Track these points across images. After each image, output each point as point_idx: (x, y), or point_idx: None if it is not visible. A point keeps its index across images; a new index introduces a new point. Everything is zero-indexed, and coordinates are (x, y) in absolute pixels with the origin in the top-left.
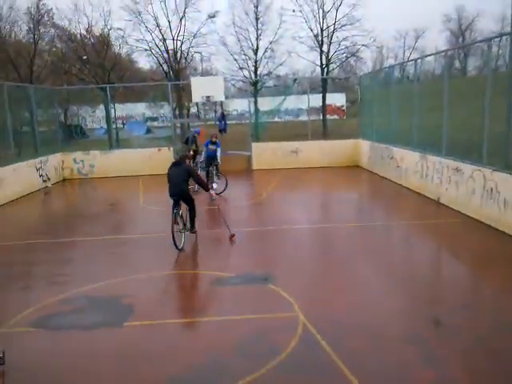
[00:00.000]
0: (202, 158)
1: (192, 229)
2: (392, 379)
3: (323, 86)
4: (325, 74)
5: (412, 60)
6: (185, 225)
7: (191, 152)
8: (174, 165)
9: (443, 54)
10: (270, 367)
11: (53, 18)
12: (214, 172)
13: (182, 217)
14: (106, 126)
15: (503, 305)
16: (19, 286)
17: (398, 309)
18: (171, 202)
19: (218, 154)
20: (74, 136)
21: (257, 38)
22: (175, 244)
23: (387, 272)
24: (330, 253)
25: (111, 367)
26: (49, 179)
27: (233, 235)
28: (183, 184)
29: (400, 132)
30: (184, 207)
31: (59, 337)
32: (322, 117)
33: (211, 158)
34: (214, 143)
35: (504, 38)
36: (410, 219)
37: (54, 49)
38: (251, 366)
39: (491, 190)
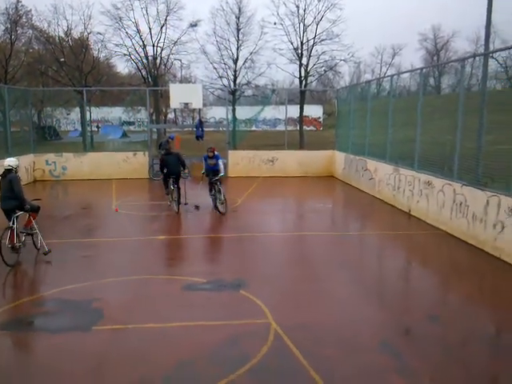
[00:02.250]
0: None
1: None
2: None
3: (301, 97)
4: (303, 86)
5: (388, 76)
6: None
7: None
8: (167, 154)
9: (419, 71)
10: (240, 373)
11: (31, 20)
12: (217, 193)
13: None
14: (80, 129)
15: (471, 315)
16: None
17: (369, 318)
18: (145, 207)
19: (221, 166)
20: (46, 137)
21: (237, 48)
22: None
23: (359, 281)
24: (303, 261)
25: (78, 371)
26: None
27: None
28: (178, 166)
29: (375, 145)
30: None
31: (26, 339)
32: (298, 127)
33: (212, 174)
34: (213, 157)
35: (477, 58)
36: (382, 230)
37: (30, 50)
38: (221, 371)
39: (460, 203)
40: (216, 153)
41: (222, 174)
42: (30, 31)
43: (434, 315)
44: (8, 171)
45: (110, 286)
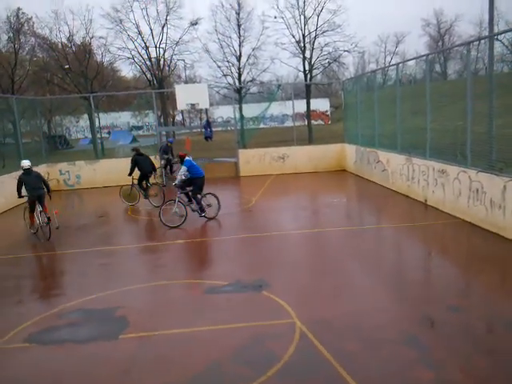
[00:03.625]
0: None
1: None
2: (391, 381)
3: (307, 91)
4: (308, 79)
5: (394, 65)
6: None
7: (162, 161)
8: (140, 154)
9: (424, 58)
10: (269, 374)
11: (33, 27)
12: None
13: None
14: (90, 136)
15: (494, 303)
16: (12, 300)
17: (392, 310)
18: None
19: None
20: (58, 147)
21: (239, 45)
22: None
23: (379, 274)
24: (322, 257)
25: (108, 380)
26: None
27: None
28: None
29: (385, 135)
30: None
31: (55, 352)
32: (306, 122)
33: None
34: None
35: (482, 41)
36: (399, 222)
37: (35, 58)
38: (250, 374)
39: (477, 190)
40: (187, 158)
41: (174, 183)
42: (33, 39)
43: (456, 304)
44: (28, 169)
45: (132, 294)
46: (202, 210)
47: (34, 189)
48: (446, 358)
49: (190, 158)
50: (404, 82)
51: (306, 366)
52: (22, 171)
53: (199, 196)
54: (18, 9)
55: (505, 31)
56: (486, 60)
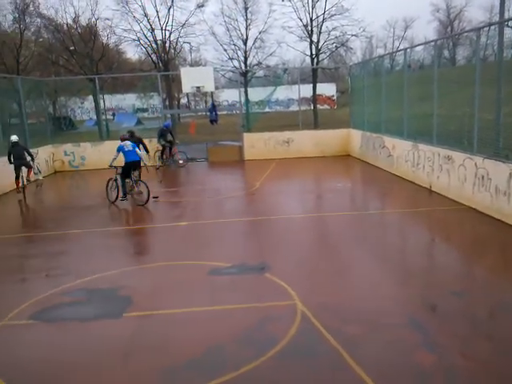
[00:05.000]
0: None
1: None
2: (393, 365)
3: (313, 76)
4: (315, 64)
5: (402, 50)
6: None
7: (158, 145)
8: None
9: (433, 43)
10: (270, 355)
11: (38, 8)
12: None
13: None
14: (95, 118)
15: (497, 288)
16: (16, 279)
17: (395, 295)
18: (163, 193)
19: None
20: (63, 128)
21: (246, 28)
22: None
23: (382, 259)
24: (325, 241)
25: (111, 358)
26: (40, 172)
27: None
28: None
29: (391, 121)
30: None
31: (59, 329)
32: (312, 107)
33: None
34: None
35: (492, 27)
36: (402, 207)
37: (40, 39)
38: (251, 354)
39: (482, 177)
40: (121, 143)
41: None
42: (38, 20)
43: (459, 290)
44: (16, 143)
45: (135, 274)
46: (124, 193)
47: (19, 159)
48: (449, 342)
49: (128, 143)
50: (412, 68)
51: (307, 348)
52: (11, 144)
53: (127, 180)
54: None
55: None
56: (495, 46)
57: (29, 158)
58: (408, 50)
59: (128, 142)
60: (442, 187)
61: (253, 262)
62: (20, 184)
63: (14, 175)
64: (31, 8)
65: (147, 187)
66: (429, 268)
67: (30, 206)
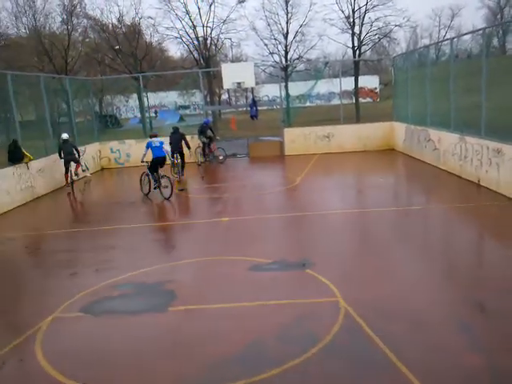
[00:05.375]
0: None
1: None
2: (439, 365)
3: (355, 68)
4: (357, 56)
5: (448, 39)
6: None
7: (199, 142)
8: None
9: (481, 32)
10: (314, 352)
11: (85, 9)
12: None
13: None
14: (139, 116)
15: None
16: (67, 272)
17: (441, 293)
18: (205, 189)
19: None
20: (109, 126)
21: (287, 22)
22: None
23: (428, 257)
24: (368, 238)
25: (157, 351)
26: (88, 169)
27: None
28: (179, 143)
29: (437, 114)
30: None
31: (107, 322)
32: (354, 100)
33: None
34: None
35: None
36: (449, 203)
37: (87, 39)
38: (293, 351)
39: None
40: (149, 140)
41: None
42: (85, 21)
43: (509, 289)
44: (66, 140)
45: (180, 268)
46: (154, 186)
47: (68, 154)
48: (498, 344)
49: (157, 140)
50: (459, 58)
51: (351, 346)
52: (62, 141)
53: (155, 174)
54: None
55: None
56: None
57: (77, 155)
58: (455, 39)
59: (156, 139)
60: (491, 182)
61: (294, 258)
62: (69, 178)
63: (64, 170)
64: (78, 9)
65: (171, 182)
66: (477, 266)
67: (79, 201)
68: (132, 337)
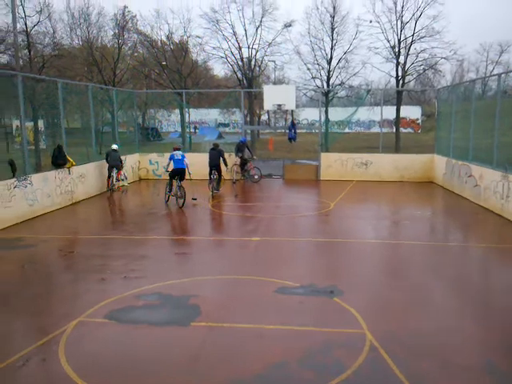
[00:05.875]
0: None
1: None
2: None
3: (398, 98)
4: (400, 85)
5: (495, 74)
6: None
7: (236, 159)
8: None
9: None
10: (335, 383)
11: (136, 25)
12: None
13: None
14: (180, 130)
15: None
16: (96, 277)
17: (471, 333)
18: (238, 207)
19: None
20: (150, 138)
21: (331, 48)
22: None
23: (461, 295)
24: (399, 270)
25: (176, 364)
26: (126, 178)
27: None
28: (217, 160)
29: (480, 149)
30: None
31: (130, 330)
32: (395, 129)
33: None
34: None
35: None
36: (488, 242)
37: (135, 54)
38: (315, 379)
39: None
40: (173, 152)
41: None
42: (135, 36)
43: None
44: (115, 150)
45: (207, 284)
46: (169, 194)
47: (113, 160)
48: None
49: (178, 153)
50: (507, 94)
51: (374, 380)
52: (112, 149)
53: (173, 182)
54: (125, 7)
55: None
56: None
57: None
58: (503, 75)
59: (178, 152)
60: None
61: (322, 284)
62: (110, 184)
63: (106, 177)
64: (130, 25)
65: (185, 193)
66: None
67: (115, 209)
68: (153, 348)
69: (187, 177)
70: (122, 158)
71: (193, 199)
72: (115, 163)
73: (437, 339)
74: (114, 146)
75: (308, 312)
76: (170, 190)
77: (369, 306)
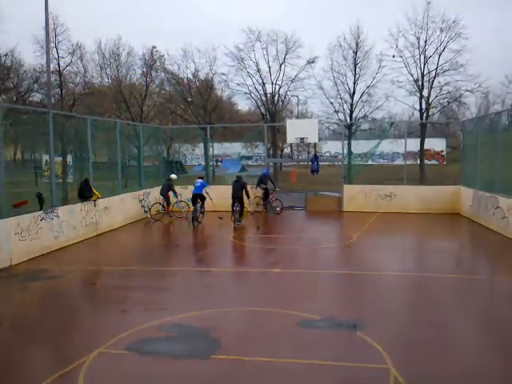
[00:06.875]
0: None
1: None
2: None
3: (422, 130)
4: (424, 118)
5: None
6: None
7: (259, 190)
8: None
9: None
10: None
11: (164, 64)
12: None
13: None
14: (203, 163)
15: None
16: (118, 309)
17: (500, 373)
18: (261, 239)
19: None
20: (174, 171)
21: (354, 83)
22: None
23: (489, 331)
24: (425, 304)
25: None
26: (150, 210)
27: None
28: (240, 192)
29: (507, 180)
30: None
31: (150, 362)
32: (419, 161)
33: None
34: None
35: None
36: None
37: (162, 91)
38: None
39: None
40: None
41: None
42: (163, 74)
43: None
44: (169, 179)
45: (228, 316)
46: (193, 218)
47: (163, 189)
48: None
49: (198, 181)
50: None
51: None
52: (167, 178)
53: (193, 206)
54: (153, 47)
55: None
56: None
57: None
58: None
59: (198, 180)
60: None
61: (345, 317)
62: (169, 209)
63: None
64: (157, 64)
65: (203, 212)
66: None
67: (137, 241)
68: (172, 381)
69: (208, 200)
70: (146, 191)
71: (219, 218)
72: (163, 192)
73: (464, 378)
74: (173, 176)
75: (330, 346)
76: (196, 212)
77: (393, 341)
